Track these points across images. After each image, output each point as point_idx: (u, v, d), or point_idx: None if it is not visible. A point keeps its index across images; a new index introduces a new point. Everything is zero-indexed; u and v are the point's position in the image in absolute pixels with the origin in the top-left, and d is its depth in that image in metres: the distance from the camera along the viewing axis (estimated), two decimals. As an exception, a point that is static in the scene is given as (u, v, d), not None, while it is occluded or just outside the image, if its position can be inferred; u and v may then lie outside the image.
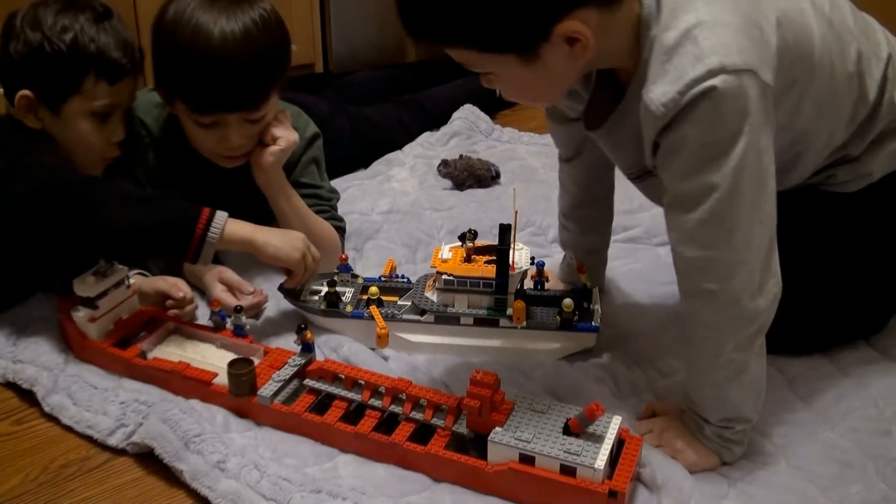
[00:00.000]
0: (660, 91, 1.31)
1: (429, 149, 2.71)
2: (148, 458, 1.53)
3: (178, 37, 1.77)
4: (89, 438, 1.59)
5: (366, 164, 2.66)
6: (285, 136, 1.90)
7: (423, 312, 1.76)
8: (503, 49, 1.34)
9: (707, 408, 1.47)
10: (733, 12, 1.32)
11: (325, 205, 2.06)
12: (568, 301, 1.70)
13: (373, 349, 1.76)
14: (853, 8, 1.57)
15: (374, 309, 1.77)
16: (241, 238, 1.69)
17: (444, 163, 2.56)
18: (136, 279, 1.83)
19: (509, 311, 1.72)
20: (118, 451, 1.56)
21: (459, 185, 2.49)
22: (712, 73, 1.27)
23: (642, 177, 1.58)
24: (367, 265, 2.08)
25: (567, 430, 1.41)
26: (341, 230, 2.08)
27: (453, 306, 1.75)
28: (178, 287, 1.81)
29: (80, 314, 1.70)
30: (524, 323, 1.72)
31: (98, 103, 1.80)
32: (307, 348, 1.66)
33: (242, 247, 1.71)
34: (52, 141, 1.79)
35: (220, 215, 1.66)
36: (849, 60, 1.51)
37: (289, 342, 1.76)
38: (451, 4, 1.31)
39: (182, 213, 1.65)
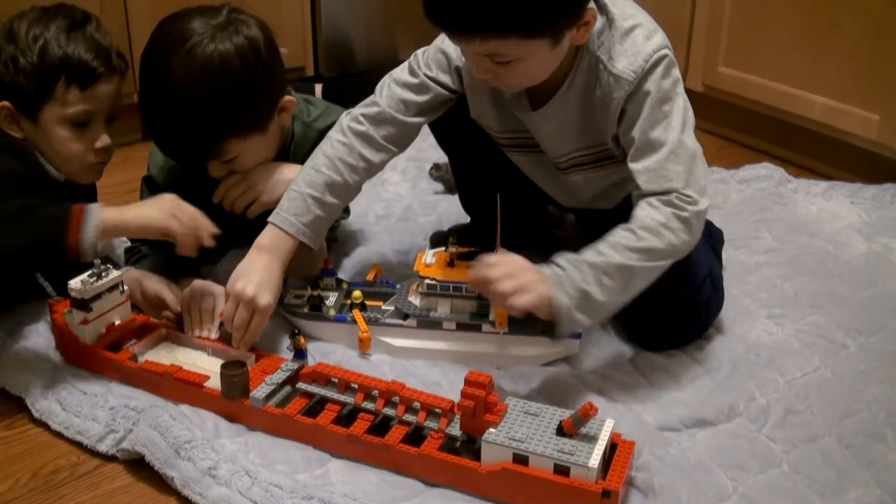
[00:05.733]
0: (625, 63, 1.54)
1: (420, 152, 2.60)
2: (138, 465, 1.45)
3: (140, 81, 1.69)
4: (79, 444, 1.50)
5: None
6: (261, 201, 1.77)
7: (406, 317, 1.68)
8: (546, 32, 1.45)
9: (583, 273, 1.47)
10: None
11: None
12: (551, 306, 1.61)
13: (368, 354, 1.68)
14: None
15: (356, 313, 1.69)
16: (114, 226, 1.57)
17: (436, 166, 2.47)
18: (130, 273, 1.74)
19: (492, 317, 1.63)
20: (108, 458, 1.48)
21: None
22: (660, 47, 1.55)
23: (569, 169, 1.73)
24: (364, 270, 1.97)
25: (560, 431, 1.33)
26: (332, 237, 1.99)
27: (436, 311, 1.67)
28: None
29: (73, 316, 1.60)
30: (506, 328, 1.64)
31: (72, 110, 1.70)
32: (300, 354, 1.58)
33: (116, 234, 1.63)
34: (18, 152, 1.70)
35: (90, 218, 1.52)
36: None
37: (281, 348, 1.68)
38: None
39: (53, 222, 1.53)
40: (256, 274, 1.60)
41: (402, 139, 1.75)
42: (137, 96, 1.75)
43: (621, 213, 1.80)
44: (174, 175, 1.87)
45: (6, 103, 1.70)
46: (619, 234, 1.50)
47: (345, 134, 1.72)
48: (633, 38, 1.55)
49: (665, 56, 1.55)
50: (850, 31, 2.38)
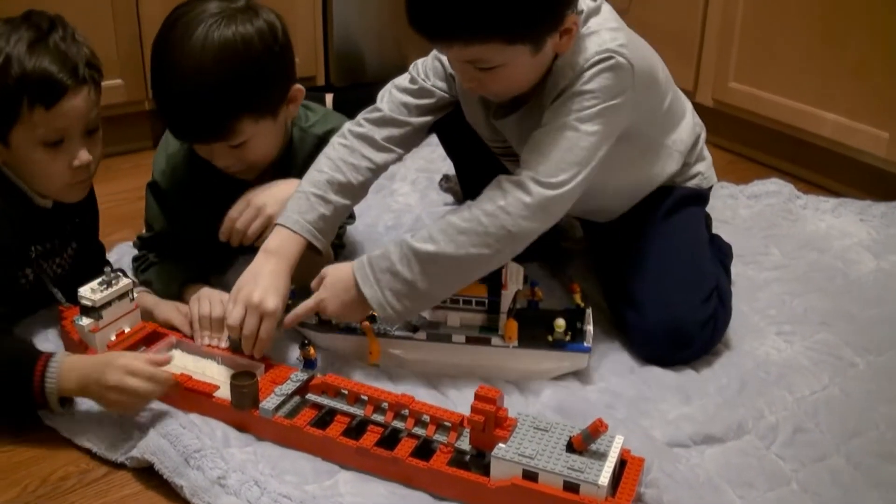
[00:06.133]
0: (576, 59, 1.55)
1: (430, 163, 2.60)
2: (147, 473, 1.44)
3: (152, 62, 1.67)
4: (88, 452, 1.49)
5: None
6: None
7: (415, 329, 1.67)
8: (527, 37, 1.47)
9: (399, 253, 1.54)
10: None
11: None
12: (560, 321, 1.61)
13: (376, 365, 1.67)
14: None
15: (366, 325, 1.67)
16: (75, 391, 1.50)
17: (446, 178, 2.46)
18: (143, 298, 1.73)
19: (501, 331, 1.63)
20: (117, 465, 1.47)
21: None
22: (607, 49, 1.55)
23: None
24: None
25: (570, 448, 1.32)
26: (338, 244, 1.99)
27: (445, 324, 1.66)
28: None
29: (84, 323, 1.59)
30: (516, 342, 1.63)
31: (41, 130, 1.56)
32: (309, 365, 1.57)
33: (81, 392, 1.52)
34: None
35: (52, 369, 1.47)
36: None
37: (291, 359, 1.67)
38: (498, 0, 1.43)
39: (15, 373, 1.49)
40: (262, 278, 1.60)
41: (404, 140, 1.78)
42: (150, 82, 1.71)
43: (627, 224, 1.81)
44: (177, 178, 1.86)
45: None
46: (456, 215, 1.54)
47: (346, 137, 1.75)
48: (587, 41, 1.56)
49: (609, 57, 1.54)
50: (862, 48, 2.37)
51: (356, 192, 1.74)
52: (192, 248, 1.88)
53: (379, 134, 1.75)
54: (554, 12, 1.48)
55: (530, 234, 1.53)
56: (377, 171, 1.76)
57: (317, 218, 1.67)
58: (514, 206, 1.50)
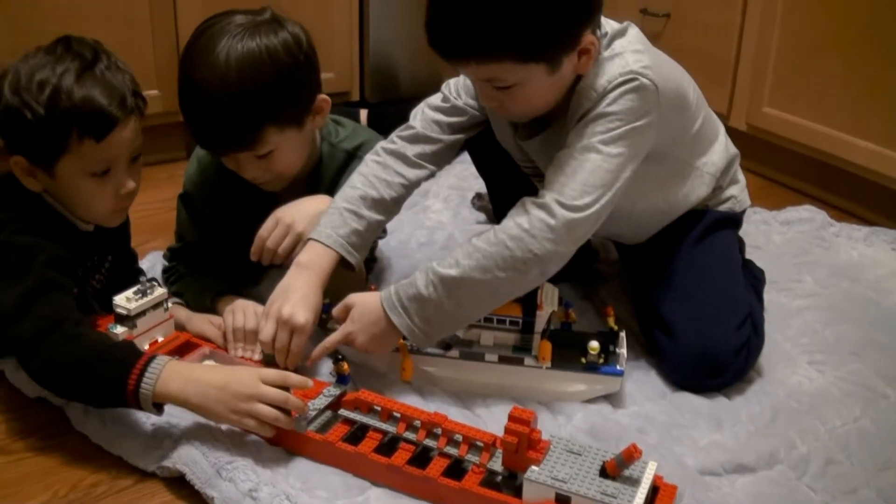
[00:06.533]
0: (601, 81, 1.54)
1: (463, 180, 2.60)
2: (178, 483, 1.44)
3: (179, 74, 1.67)
4: (119, 459, 1.49)
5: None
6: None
7: (448, 347, 1.66)
8: (541, 56, 1.48)
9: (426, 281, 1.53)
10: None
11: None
12: (594, 343, 1.60)
13: (409, 382, 1.67)
14: None
15: (399, 341, 1.66)
16: (175, 398, 1.45)
17: (479, 196, 2.46)
18: (175, 310, 1.73)
19: (535, 351, 1.62)
20: (148, 474, 1.46)
21: (493, 220, 2.37)
22: (631, 71, 1.54)
23: None
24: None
25: (604, 472, 1.31)
26: (370, 257, 1.98)
27: (479, 342, 1.66)
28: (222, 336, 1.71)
29: (117, 331, 1.60)
30: (549, 363, 1.62)
31: (89, 162, 1.55)
32: (342, 380, 1.57)
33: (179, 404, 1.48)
34: (35, 224, 1.57)
35: (151, 373, 1.43)
36: None
37: (324, 373, 1.67)
38: (506, 17, 1.42)
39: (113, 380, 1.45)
40: (293, 293, 1.61)
41: (436, 157, 1.79)
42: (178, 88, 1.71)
43: (660, 247, 1.80)
44: (208, 189, 1.87)
45: (19, 158, 1.57)
46: (481, 239, 1.53)
47: (379, 154, 1.76)
48: (610, 63, 1.55)
49: (632, 79, 1.53)
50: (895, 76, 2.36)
51: (389, 207, 1.75)
52: (222, 259, 1.88)
53: (411, 150, 1.76)
54: (568, 32, 1.49)
55: (556, 256, 1.52)
56: (410, 187, 1.77)
57: (349, 233, 1.68)
58: (539, 229, 1.50)
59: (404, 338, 1.59)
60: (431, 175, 1.81)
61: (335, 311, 1.65)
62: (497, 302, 1.58)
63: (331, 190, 1.84)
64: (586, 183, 1.51)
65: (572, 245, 1.53)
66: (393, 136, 1.79)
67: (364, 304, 1.60)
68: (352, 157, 1.88)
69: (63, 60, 1.54)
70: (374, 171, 1.74)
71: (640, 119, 1.54)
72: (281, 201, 1.80)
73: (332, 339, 1.61)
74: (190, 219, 1.91)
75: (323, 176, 1.88)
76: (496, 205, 2.10)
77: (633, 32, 1.62)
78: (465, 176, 2.60)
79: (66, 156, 1.55)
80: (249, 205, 1.82)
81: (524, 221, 1.50)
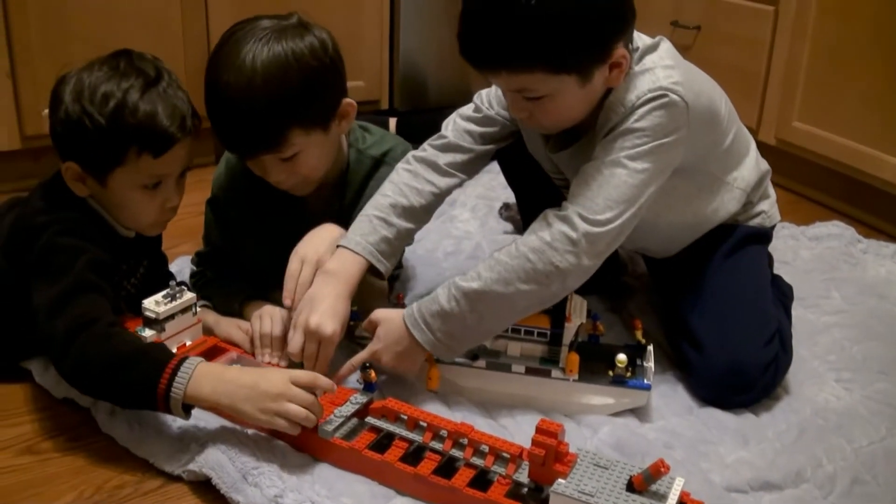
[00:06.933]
0: (630, 96, 1.54)
1: (490, 190, 2.60)
2: (203, 487, 1.44)
3: (206, 78, 1.68)
4: (145, 462, 1.49)
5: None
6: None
7: (475, 357, 1.66)
8: (572, 68, 1.48)
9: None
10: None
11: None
12: (622, 357, 1.60)
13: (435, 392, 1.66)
14: None
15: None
16: (206, 399, 1.46)
17: (506, 206, 2.46)
18: (204, 314, 1.74)
19: (562, 363, 1.62)
20: (173, 477, 1.47)
21: (520, 230, 2.37)
22: (660, 86, 1.54)
23: None
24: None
25: (630, 487, 1.30)
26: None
27: (506, 353, 1.65)
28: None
29: (146, 334, 1.60)
30: (576, 375, 1.62)
31: (143, 176, 1.59)
32: (369, 387, 1.57)
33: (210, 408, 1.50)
34: (79, 226, 1.59)
35: (183, 374, 1.43)
36: None
37: (350, 380, 1.67)
38: (537, 28, 1.42)
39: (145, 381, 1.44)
40: (320, 302, 1.60)
41: (468, 166, 1.80)
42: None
43: (689, 261, 1.79)
44: (236, 193, 1.87)
45: (73, 164, 1.60)
46: (503, 252, 1.53)
47: (409, 162, 1.77)
48: (640, 78, 1.55)
49: (661, 95, 1.53)
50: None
51: (419, 215, 1.75)
52: (249, 264, 1.89)
53: (442, 159, 1.77)
54: (599, 45, 1.49)
55: (577, 270, 1.51)
56: (440, 195, 1.77)
57: (379, 240, 1.68)
58: (560, 242, 1.49)
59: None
60: (461, 184, 1.81)
61: (364, 324, 1.65)
62: (518, 315, 1.58)
63: (358, 196, 1.85)
64: (610, 198, 1.51)
65: (595, 259, 1.53)
66: (425, 144, 1.80)
67: (388, 321, 1.60)
68: (379, 164, 1.88)
69: (128, 76, 1.57)
70: (404, 179, 1.74)
71: (669, 135, 1.54)
72: (309, 207, 1.81)
73: (358, 358, 1.62)
74: (217, 223, 1.92)
75: (350, 182, 1.88)
76: (525, 216, 2.10)
77: (665, 47, 1.62)
78: (492, 186, 2.60)
79: (120, 168, 1.58)
80: (277, 210, 1.84)
81: (546, 234, 1.50)
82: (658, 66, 1.56)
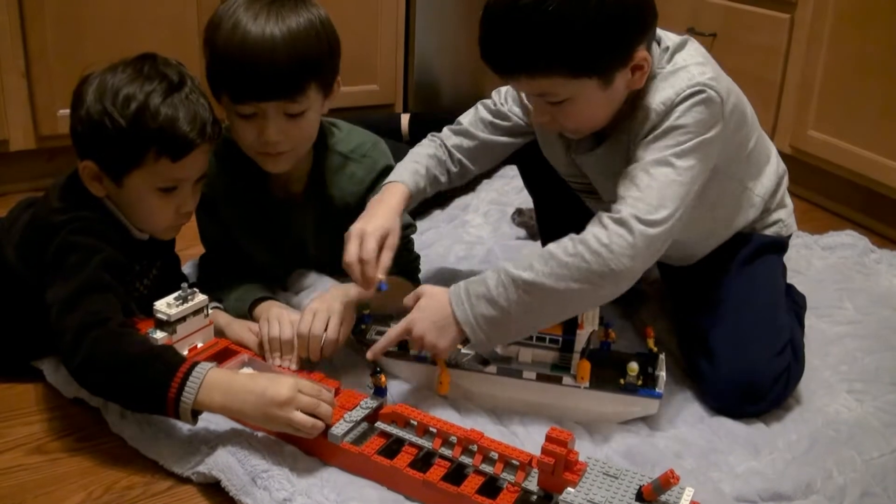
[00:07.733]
0: (660, 97, 1.54)
1: (503, 195, 2.60)
2: (212, 489, 1.44)
3: (220, 29, 1.67)
4: (154, 463, 1.50)
5: (441, 204, 2.57)
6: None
7: (486, 363, 1.65)
8: (592, 71, 1.49)
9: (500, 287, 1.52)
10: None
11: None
12: (633, 365, 1.59)
13: (445, 396, 1.66)
14: None
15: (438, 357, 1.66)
16: (215, 407, 1.46)
17: (519, 211, 2.45)
18: (215, 316, 1.74)
19: (573, 370, 1.61)
20: (182, 479, 1.47)
21: (534, 236, 2.38)
22: (698, 82, 1.54)
23: None
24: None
25: (640, 497, 1.30)
26: (414, 269, 1.99)
27: (517, 359, 1.65)
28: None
29: (157, 336, 1.60)
30: (587, 383, 1.61)
31: (160, 179, 1.61)
32: (380, 392, 1.57)
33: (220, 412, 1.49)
34: (96, 227, 1.60)
35: (193, 381, 1.43)
36: None
37: (361, 384, 1.66)
38: (555, 32, 1.43)
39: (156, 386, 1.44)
40: (371, 220, 1.68)
41: (472, 152, 1.88)
42: (207, 68, 1.72)
43: (704, 269, 1.79)
44: (220, 184, 1.86)
45: (90, 163, 1.61)
46: (558, 248, 1.52)
47: (430, 138, 1.89)
48: (675, 76, 1.56)
49: (700, 91, 1.53)
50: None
51: (434, 180, 1.85)
52: (251, 260, 1.92)
53: (451, 141, 1.87)
54: (619, 48, 1.49)
55: (630, 273, 1.50)
56: (460, 174, 1.89)
57: (412, 172, 1.79)
58: (619, 245, 1.48)
59: (465, 341, 1.58)
60: (461, 176, 1.89)
61: (406, 298, 1.63)
62: (564, 314, 1.56)
63: (321, 189, 1.88)
64: (662, 197, 1.51)
65: (649, 261, 1.53)
66: (444, 128, 1.89)
67: (433, 294, 1.61)
68: (348, 160, 1.90)
69: (151, 80, 1.58)
70: (421, 150, 1.85)
71: (710, 130, 1.54)
72: (272, 193, 1.88)
73: (395, 330, 1.62)
74: (209, 219, 1.93)
75: (320, 178, 1.89)
76: (542, 221, 2.11)
77: (694, 45, 1.63)
78: (505, 191, 2.60)
79: (138, 169, 1.60)
80: (244, 197, 1.88)
81: (604, 236, 1.49)
82: (691, 63, 1.57)
